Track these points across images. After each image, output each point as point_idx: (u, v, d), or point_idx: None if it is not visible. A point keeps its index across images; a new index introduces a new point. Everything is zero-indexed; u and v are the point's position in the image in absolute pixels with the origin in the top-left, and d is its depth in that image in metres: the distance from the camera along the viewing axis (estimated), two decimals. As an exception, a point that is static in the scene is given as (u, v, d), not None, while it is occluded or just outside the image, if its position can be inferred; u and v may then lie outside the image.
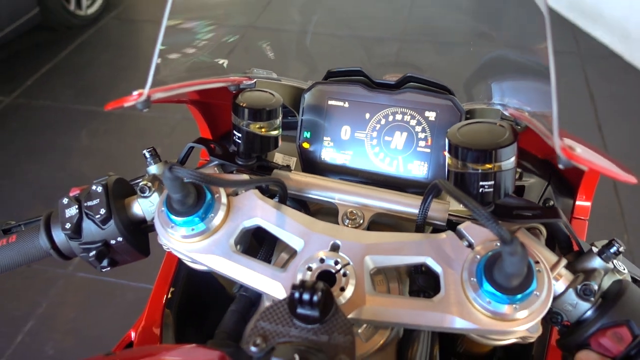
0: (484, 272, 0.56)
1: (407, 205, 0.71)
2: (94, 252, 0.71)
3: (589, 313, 0.60)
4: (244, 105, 0.74)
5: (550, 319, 0.62)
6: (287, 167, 0.79)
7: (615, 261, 0.64)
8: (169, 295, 0.86)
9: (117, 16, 4.32)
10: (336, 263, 0.61)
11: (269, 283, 0.61)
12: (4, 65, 3.69)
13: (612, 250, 0.62)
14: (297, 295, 0.49)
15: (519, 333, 0.57)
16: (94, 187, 0.72)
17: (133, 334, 0.85)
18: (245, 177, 0.73)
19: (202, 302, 0.92)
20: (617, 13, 3.58)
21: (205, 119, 0.96)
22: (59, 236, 0.73)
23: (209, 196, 0.65)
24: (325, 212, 0.77)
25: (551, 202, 0.89)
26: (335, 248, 0.63)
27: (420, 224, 0.67)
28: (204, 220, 0.64)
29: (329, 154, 0.83)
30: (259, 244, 0.78)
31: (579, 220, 0.89)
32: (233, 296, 0.76)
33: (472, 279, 0.57)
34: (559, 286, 0.61)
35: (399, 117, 0.80)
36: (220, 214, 0.65)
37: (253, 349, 0.48)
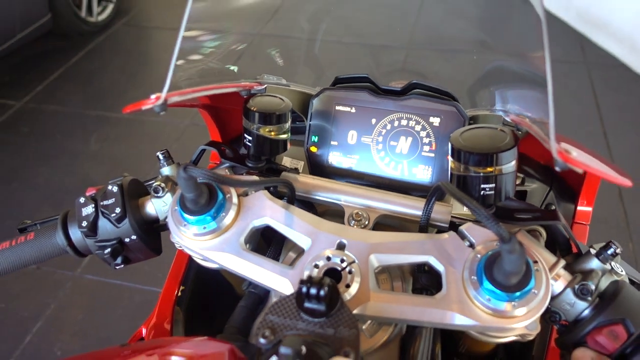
0: (484, 270, 0.58)
1: (411, 207, 0.73)
2: (108, 250, 0.73)
3: (586, 312, 0.62)
4: (254, 109, 0.77)
5: (549, 318, 0.64)
6: (296, 170, 0.81)
7: (613, 263, 0.66)
8: (179, 293, 0.89)
9: (127, 23, 4.38)
10: (342, 261, 0.63)
11: (278, 279, 0.64)
12: (16, 71, 3.74)
13: (609, 252, 0.64)
14: (304, 289, 0.51)
15: (518, 330, 0.58)
16: (109, 187, 0.74)
17: (144, 330, 0.87)
18: (255, 178, 0.75)
19: (210, 299, 0.94)
20: (626, 24, 3.59)
21: (215, 123, 0.99)
22: (76, 234, 0.75)
23: (220, 196, 0.68)
24: (332, 213, 0.79)
25: (553, 207, 0.91)
26: (341, 247, 0.65)
27: (424, 225, 0.69)
28: (216, 219, 0.67)
29: (336, 157, 0.85)
30: (267, 244, 0.80)
31: (580, 225, 0.90)
32: (241, 294, 0.79)
33: (472, 277, 0.59)
34: (558, 286, 0.63)
35: (404, 122, 0.82)
36: (231, 213, 0.68)
37: (262, 340, 0.51)
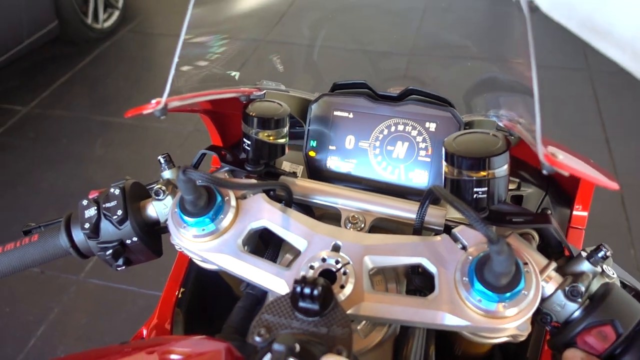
0: (475, 272, 0.59)
1: (406, 210, 0.75)
2: (110, 251, 0.75)
3: (576, 313, 0.63)
4: (253, 114, 0.79)
5: (541, 319, 0.65)
6: (294, 174, 0.83)
7: (605, 266, 0.67)
8: (179, 295, 0.90)
9: (132, 29, 4.42)
10: (337, 262, 0.65)
11: (274, 280, 0.65)
12: (23, 76, 3.79)
13: (599, 255, 0.65)
14: (299, 289, 0.53)
15: (509, 331, 0.60)
16: (112, 190, 0.76)
17: (145, 331, 0.89)
18: (253, 181, 0.77)
19: (210, 301, 0.95)
20: (628, 31, 3.60)
21: (216, 128, 1.00)
22: (78, 236, 0.77)
23: (219, 198, 0.69)
24: (329, 216, 0.81)
25: (548, 212, 0.92)
26: (336, 248, 0.67)
27: (418, 228, 0.71)
28: (214, 221, 0.68)
29: (334, 162, 0.87)
30: (265, 247, 0.82)
31: (576, 229, 0.91)
32: (239, 295, 0.80)
33: (464, 278, 0.60)
34: (549, 288, 0.64)
35: (400, 127, 0.84)
36: (230, 215, 0.69)
37: (257, 338, 0.52)
